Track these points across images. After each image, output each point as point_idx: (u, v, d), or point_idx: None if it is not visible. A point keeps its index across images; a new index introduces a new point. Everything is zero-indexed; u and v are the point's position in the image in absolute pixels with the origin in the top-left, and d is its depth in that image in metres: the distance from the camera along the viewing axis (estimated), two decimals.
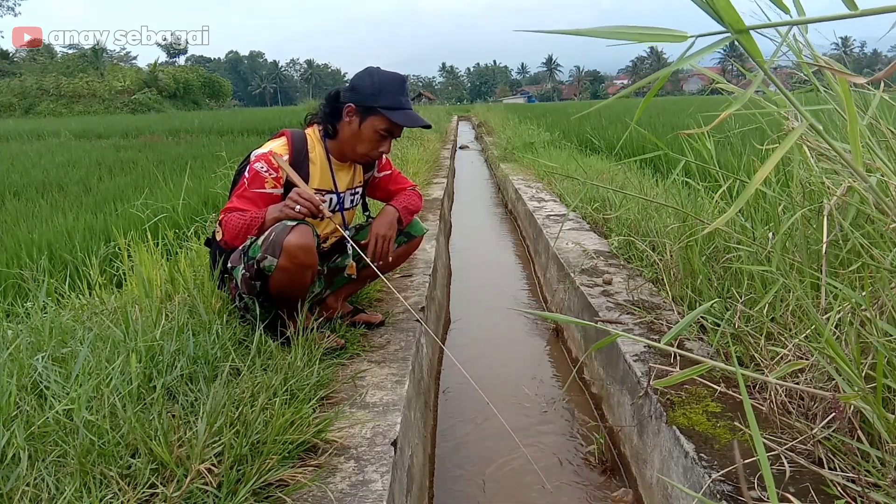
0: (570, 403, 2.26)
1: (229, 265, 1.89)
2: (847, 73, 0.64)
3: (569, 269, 2.91)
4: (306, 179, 1.94)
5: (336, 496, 1.21)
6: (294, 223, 1.76)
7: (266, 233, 1.77)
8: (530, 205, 4.88)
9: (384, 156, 2.24)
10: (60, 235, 3.48)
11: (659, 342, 0.95)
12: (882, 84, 1.26)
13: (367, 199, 2.33)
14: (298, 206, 1.76)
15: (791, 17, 0.64)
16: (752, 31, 0.56)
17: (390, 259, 2.09)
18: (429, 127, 1.99)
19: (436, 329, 2.77)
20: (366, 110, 1.91)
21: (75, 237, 3.40)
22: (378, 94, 1.90)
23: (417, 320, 2.28)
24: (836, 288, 1.32)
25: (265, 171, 1.86)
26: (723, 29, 0.56)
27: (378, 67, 1.98)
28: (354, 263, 2.07)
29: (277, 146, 1.93)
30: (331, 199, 2.04)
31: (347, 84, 2.00)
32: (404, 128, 1.99)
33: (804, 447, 1.26)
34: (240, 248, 1.85)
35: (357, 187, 2.15)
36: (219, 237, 1.91)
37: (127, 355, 1.47)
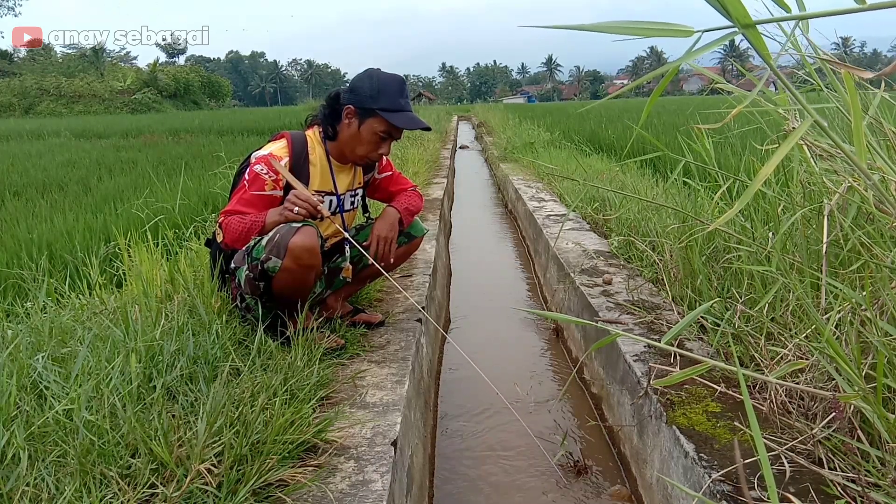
0: (570, 403, 2.26)
1: (232, 265, 1.89)
2: (853, 68, 0.64)
3: (569, 269, 2.91)
4: (306, 181, 1.94)
5: (336, 496, 1.21)
6: (299, 225, 1.77)
7: (270, 234, 1.77)
8: (530, 205, 4.88)
9: (384, 157, 2.24)
10: (60, 235, 3.48)
11: (659, 342, 0.95)
12: (883, 83, 1.26)
13: (367, 200, 2.33)
14: (297, 208, 1.76)
15: (792, 14, 0.63)
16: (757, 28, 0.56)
17: (392, 260, 2.09)
18: (428, 129, 1.99)
19: (436, 329, 2.77)
20: (365, 112, 1.91)
21: (75, 237, 3.40)
22: (377, 96, 1.90)
23: (419, 320, 2.28)
24: (837, 287, 1.32)
25: (265, 174, 1.86)
26: (729, 24, 0.55)
27: (378, 69, 1.98)
28: (350, 266, 2.07)
29: (277, 148, 1.93)
30: (331, 201, 2.04)
31: (347, 85, 2.00)
32: (404, 130, 1.99)
33: (804, 447, 1.25)
34: (243, 248, 1.86)
35: (357, 189, 2.15)
36: (219, 239, 1.91)
37: (127, 355, 1.47)
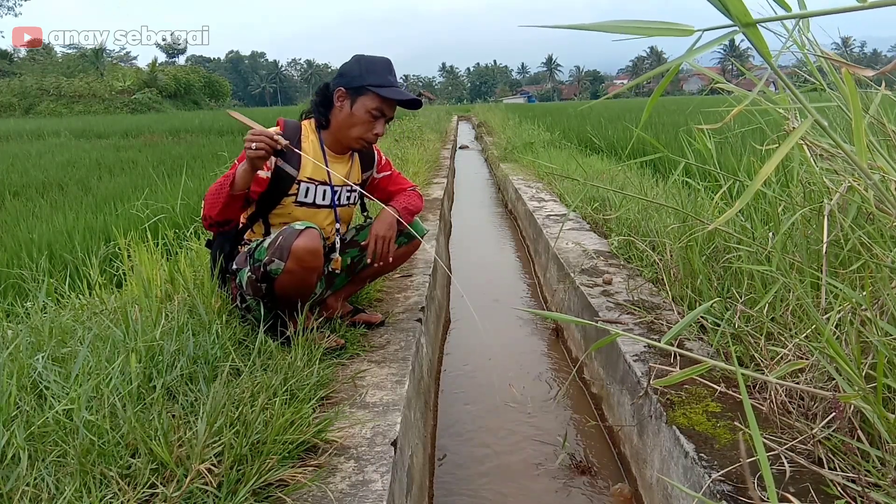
0: (570, 403, 2.26)
1: (234, 267, 1.89)
2: (854, 66, 0.64)
3: (569, 268, 2.91)
4: (298, 168, 1.95)
5: (336, 496, 1.21)
6: (301, 227, 1.76)
7: (273, 236, 1.78)
8: (530, 205, 4.88)
9: (384, 158, 2.24)
10: (60, 235, 3.48)
11: (659, 342, 0.95)
12: (883, 82, 1.26)
13: (366, 200, 2.32)
14: (255, 144, 1.70)
15: (793, 13, 0.63)
16: (758, 26, 0.56)
17: (391, 259, 2.09)
18: (418, 106, 1.99)
19: (435, 329, 2.77)
20: (355, 91, 1.92)
21: (75, 237, 3.40)
22: (366, 73, 1.92)
23: (419, 320, 2.28)
24: (837, 287, 1.32)
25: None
26: (729, 23, 0.55)
27: (364, 54, 1.99)
28: (340, 258, 2.07)
29: (270, 132, 1.94)
30: (324, 192, 2.03)
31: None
32: (396, 111, 1.99)
33: (804, 447, 1.25)
34: (245, 250, 1.87)
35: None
36: (201, 214, 1.90)
37: (127, 355, 1.46)
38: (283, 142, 1.75)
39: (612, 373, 2.03)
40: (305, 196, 1.97)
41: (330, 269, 2.08)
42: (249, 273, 1.81)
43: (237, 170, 1.77)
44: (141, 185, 5.55)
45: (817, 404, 1.32)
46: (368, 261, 2.05)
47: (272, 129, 1.94)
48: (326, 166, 2.01)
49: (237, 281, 1.89)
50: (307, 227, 1.77)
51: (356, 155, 2.14)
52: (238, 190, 1.78)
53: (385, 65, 1.96)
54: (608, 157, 7.05)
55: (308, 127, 2.02)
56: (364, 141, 1.99)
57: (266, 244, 1.77)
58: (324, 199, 2.03)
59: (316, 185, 1.99)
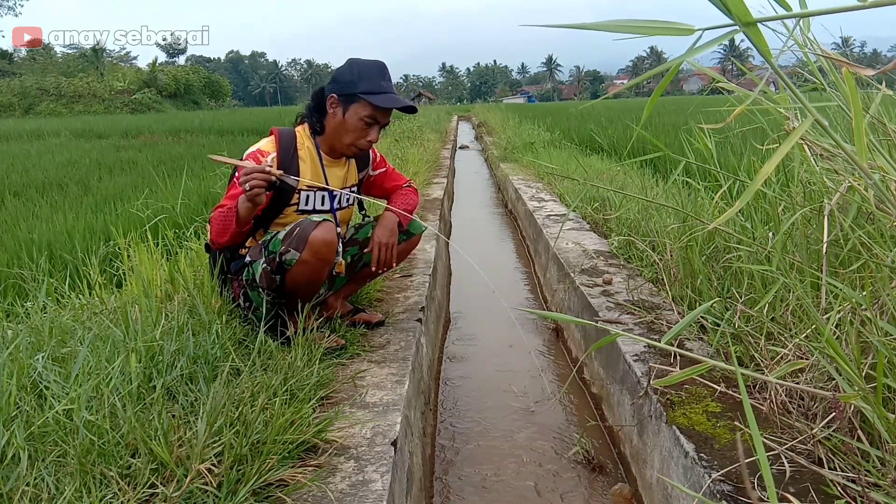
0: (570, 403, 2.26)
1: (248, 259, 1.90)
2: (854, 65, 0.64)
3: (569, 268, 2.91)
4: (296, 176, 1.95)
5: (336, 496, 1.21)
6: (319, 219, 1.79)
7: (288, 229, 1.80)
8: (530, 205, 4.88)
9: (378, 155, 2.24)
10: (60, 235, 3.47)
11: (659, 342, 0.95)
12: (884, 82, 1.26)
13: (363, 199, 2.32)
14: (249, 185, 1.69)
15: (793, 13, 0.63)
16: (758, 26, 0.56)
17: (394, 265, 2.10)
18: (413, 111, 1.99)
19: (435, 329, 2.77)
20: (348, 98, 1.91)
21: (75, 237, 3.40)
22: (358, 80, 1.90)
23: (419, 320, 2.28)
24: (837, 287, 1.32)
25: None
26: (730, 22, 0.55)
27: (358, 58, 1.99)
28: (343, 262, 2.07)
29: (264, 143, 1.95)
30: (323, 197, 2.04)
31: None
32: (391, 115, 1.98)
33: (804, 447, 1.25)
34: (259, 242, 1.90)
35: (351, 186, 2.15)
36: (208, 237, 1.93)
37: (127, 355, 1.46)
38: (277, 173, 1.76)
39: (612, 373, 2.03)
40: (306, 204, 1.99)
41: (335, 273, 2.09)
42: (264, 264, 1.82)
43: (240, 206, 1.76)
44: (141, 185, 5.56)
45: (817, 404, 1.32)
46: (374, 268, 2.06)
47: (264, 143, 1.94)
48: (324, 172, 2.01)
49: (245, 276, 1.89)
50: (324, 220, 1.80)
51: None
52: (244, 225, 1.81)
53: (378, 70, 1.93)
54: (608, 157, 7.06)
55: (303, 133, 2.02)
56: (356, 148, 1.99)
57: (281, 236, 1.79)
58: (323, 204, 2.04)
59: (315, 192, 2.00)
